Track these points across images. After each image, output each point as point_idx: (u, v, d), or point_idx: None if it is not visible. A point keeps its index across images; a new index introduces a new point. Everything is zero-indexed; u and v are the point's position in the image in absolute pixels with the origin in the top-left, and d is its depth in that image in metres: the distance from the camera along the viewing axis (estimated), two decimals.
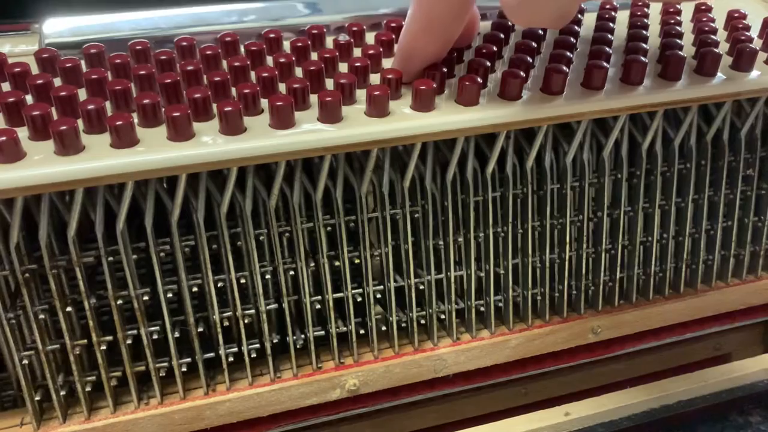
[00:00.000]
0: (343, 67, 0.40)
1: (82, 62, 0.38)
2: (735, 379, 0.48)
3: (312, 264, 0.40)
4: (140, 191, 0.36)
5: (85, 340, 0.38)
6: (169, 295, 0.38)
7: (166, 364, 0.39)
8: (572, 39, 0.43)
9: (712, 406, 0.48)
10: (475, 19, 0.40)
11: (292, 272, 0.40)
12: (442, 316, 0.44)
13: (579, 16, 0.47)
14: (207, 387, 0.40)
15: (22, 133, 0.32)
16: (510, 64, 0.39)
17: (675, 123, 0.44)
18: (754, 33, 0.45)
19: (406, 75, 0.38)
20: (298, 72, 0.39)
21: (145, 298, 0.37)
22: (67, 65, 0.37)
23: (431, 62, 0.38)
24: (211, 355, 0.40)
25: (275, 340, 0.41)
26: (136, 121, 0.33)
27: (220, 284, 0.39)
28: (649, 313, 0.47)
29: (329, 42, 0.42)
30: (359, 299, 0.41)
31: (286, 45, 0.41)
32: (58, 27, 0.42)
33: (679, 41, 0.42)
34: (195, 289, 0.38)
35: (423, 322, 0.44)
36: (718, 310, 0.49)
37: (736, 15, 0.47)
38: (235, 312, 0.39)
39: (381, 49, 0.40)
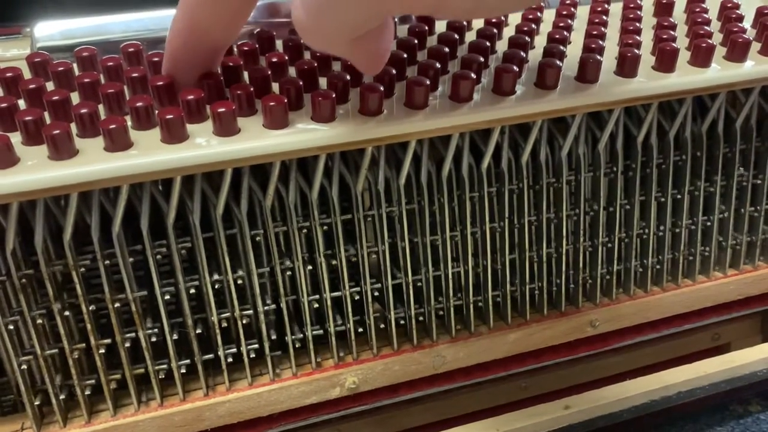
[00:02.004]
0: (336, 66, 0.39)
1: (74, 65, 0.38)
2: (734, 369, 0.48)
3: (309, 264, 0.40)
4: (135, 194, 0.36)
5: (84, 344, 0.38)
6: (167, 297, 0.38)
7: (165, 366, 0.39)
8: (565, 32, 0.43)
9: (711, 396, 0.48)
10: None
11: (289, 272, 0.40)
12: (441, 313, 0.44)
13: (572, 9, 0.47)
14: (207, 388, 0.40)
15: (15, 138, 0.32)
16: (503, 59, 0.39)
17: (670, 115, 0.44)
18: (747, 23, 0.45)
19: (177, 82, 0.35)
20: (292, 71, 0.39)
21: (143, 300, 0.37)
22: (59, 69, 0.36)
23: (200, 68, 0.35)
24: (210, 356, 0.40)
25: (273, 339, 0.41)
26: (129, 124, 0.33)
27: (217, 285, 0.39)
28: (647, 305, 0.47)
29: None
30: (357, 297, 0.41)
31: (279, 44, 0.41)
32: (49, 30, 0.42)
33: (672, 33, 0.42)
34: (192, 290, 0.38)
35: (421, 318, 0.44)
36: (717, 300, 0.49)
37: (729, 5, 0.47)
38: (234, 313, 0.39)
39: None
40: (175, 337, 0.39)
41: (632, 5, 0.47)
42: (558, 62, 0.38)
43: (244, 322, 0.40)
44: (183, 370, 0.39)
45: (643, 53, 0.40)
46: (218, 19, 0.33)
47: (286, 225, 0.39)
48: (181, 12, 0.33)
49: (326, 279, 0.40)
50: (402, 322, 0.43)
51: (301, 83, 0.36)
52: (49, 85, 0.36)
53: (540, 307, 0.46)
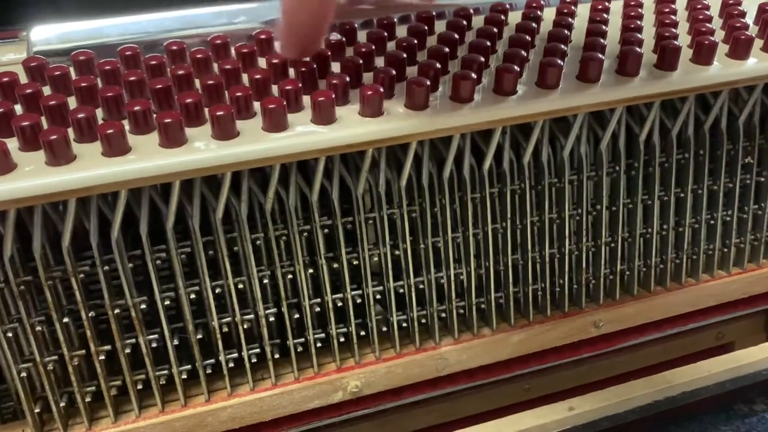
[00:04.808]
0: (335, 67, 0.39)
1: (71, 69, 0.37)
2: (739, 368, 0.48)
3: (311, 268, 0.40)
4: (134, 198, 0.35)
5: (84, 350, 0.37)
6: (167, 302, 0.37)
7: (166, 371, 0.39)
8: (566, 31, 0.42)
9: (716, 395, 0.47)
10: None
11: (290, 276, 0.39)
12: (443, 315, 0.44)
13: (573, 7, 0.46)
14: (208, 393, 0.40)
15: (12, 144, 0.32)
16: (504, 59, 0.39)
17: (672, 113, 0.43)
18: (749, 20, 0.44)
19: (297, 47, 0.37)
20: (291, 73, 0.38)
21: (143, 306, 0.37)
22: (56, 73, 0.36)
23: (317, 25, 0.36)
24: (212, 361, 0.40)
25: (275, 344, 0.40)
26: (127, 128, 0.33)
27: (218, 290, 0.38)
28: (651, 305, 0.47)
29: None
30: (359, 300, 0.41)
31: (278, 46, 0.41)
32: (45, 34, 0.41)
33: (674, 30, 0.42)
34: (193, 295, 0.38)
35: (424, 321, 0.43)
36: (720, 299, 0.49)
37: (730, 2, 0.46)
38: (235, 317, 0.39)
39: (373, 47, 0.40)
40: (176, 342, 0.38)
41: (633, 3, 0.47)
42: (559, 61, 0.38)
43: (245, 326, 0.39)
44: (184, 376, 0.39)
45: (645, 51, 0.40)
46: None
47: (286, 228, 0.39)
48: None
49: (328, 282, 0.40)
50: (404, 324, 0.43)
51: (300, 85, 0.35)
52: (46, 90, 0.36)
53: (543, 308, 0.45)
